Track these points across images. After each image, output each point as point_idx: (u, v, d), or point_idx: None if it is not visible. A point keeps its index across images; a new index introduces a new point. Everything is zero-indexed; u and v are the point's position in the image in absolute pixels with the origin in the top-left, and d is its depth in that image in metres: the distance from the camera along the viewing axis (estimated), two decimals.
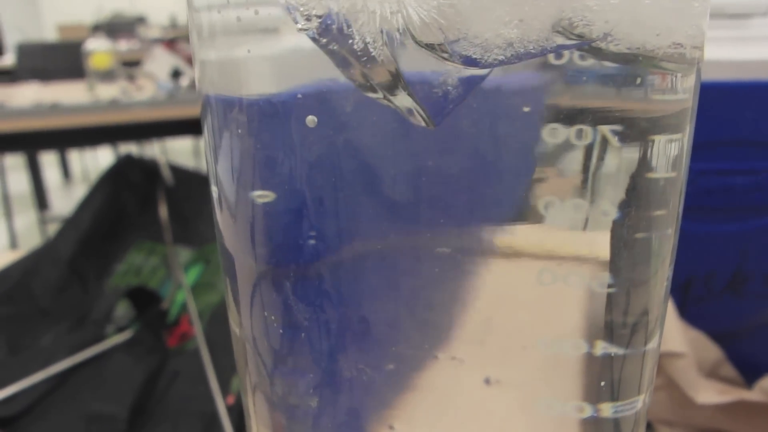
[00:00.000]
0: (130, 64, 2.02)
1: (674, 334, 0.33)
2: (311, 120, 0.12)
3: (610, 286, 0.14)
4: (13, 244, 2.05)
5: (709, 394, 0.32)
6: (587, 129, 0.13)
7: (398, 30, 0.11)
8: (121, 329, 0.49)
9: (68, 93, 1.58)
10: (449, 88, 0.12)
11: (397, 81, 0.12)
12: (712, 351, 0.36)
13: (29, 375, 0.42)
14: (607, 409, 0.15)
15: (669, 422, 0.33)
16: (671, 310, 0.34)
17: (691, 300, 0.37)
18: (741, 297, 0.37)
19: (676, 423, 0.33)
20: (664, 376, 0.33)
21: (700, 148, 0.36)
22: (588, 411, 0.15)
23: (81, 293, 0.55)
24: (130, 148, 2.16)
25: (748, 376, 0.36)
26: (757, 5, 0.37)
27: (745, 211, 0.36)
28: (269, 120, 0.13)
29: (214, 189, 0.15)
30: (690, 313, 0.37)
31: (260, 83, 0.13)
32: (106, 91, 1.56)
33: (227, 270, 0.16)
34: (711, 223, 0.36)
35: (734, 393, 0.32)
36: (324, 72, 0.12)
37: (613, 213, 0.13)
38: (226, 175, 0.15)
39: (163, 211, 0.61)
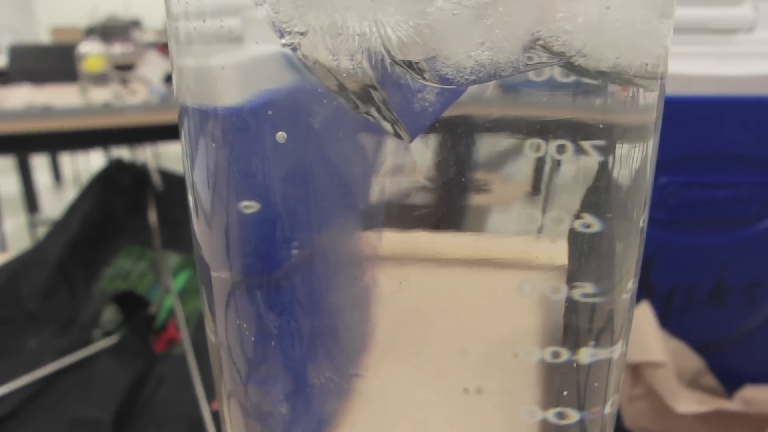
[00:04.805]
0: (124, 68, 2.01)
1: (655, 344, 0.33)
2: (281, 136, 0.13)
3: (570, 294, 0.14)
4: (3, 247, 2.04)
5: (689, 403, 0.32)
6: (567, 144, 0.13)
7: (377, 47, 0.12)
8: (108, 333, 0.49)
9: (60, 96, 1.58)
10: (426, 103, 0.12)
11: (375, 96, 0.12)
12: (693, 361, 0.36)
13: (15, 378, 0.42)
14: (572, 415, 0.15)
15: (649, 431, 0.34)
16: (652, 320, 0.35)
17: (674, 311, 0.38)
18: (722, 308, 0.38)
19: None
20: (644, 385, 0.33)
21: (683, 161, 0.36)
22: (550, 417, 0.15)
23: (68, 297, 0.55)
24: (122, 152, 2.15)
25: (729, 386, 0.36)
26: (741, 21, 0.37)
27: (727, 224, 0.36)
28: (242, 130, 0.13)
29: (190, 197, 0.16)
30: (672, 323, 0.37)
31: (234, 92, 0.14)
32: (99, 95, 1.55)
33: (203, 278, 0.16)
34: (693, 235, 0.36)
35: (714, 403, 0.33)
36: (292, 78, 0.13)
37: (574, 222, 0.13)
38: (201, 183, 0.15)
39: (153, 216, 0.61)
